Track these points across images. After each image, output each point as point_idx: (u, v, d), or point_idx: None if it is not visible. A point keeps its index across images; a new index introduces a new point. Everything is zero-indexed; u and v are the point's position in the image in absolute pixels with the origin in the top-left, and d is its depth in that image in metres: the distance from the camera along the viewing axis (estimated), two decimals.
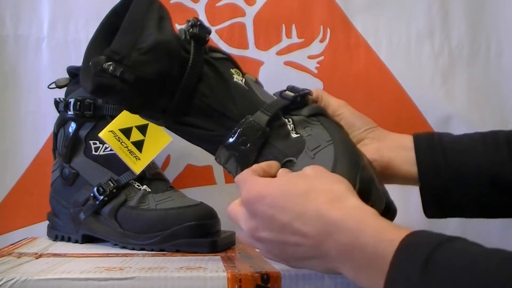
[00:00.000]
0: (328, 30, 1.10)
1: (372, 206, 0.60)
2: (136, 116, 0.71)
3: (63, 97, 0.95)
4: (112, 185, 0.86)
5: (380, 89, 1.10)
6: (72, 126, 0.91)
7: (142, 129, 0.87)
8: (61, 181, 0.92)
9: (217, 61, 0.68)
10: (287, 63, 1.10)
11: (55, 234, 0.94)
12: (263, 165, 0.62)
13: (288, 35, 1.10)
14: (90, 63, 0.63)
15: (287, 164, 0.63)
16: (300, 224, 0.53)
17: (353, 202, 0.53)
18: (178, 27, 1.07)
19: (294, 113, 0.67)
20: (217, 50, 0.70)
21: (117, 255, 0.80)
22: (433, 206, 0.73)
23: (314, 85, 1.09)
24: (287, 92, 0.69)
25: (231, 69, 0.69)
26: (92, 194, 0.87)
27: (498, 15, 1.12)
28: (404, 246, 0.47)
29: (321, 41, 1.10)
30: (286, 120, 0.66)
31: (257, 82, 0.72)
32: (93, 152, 0.90)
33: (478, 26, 1.12)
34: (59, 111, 0.95)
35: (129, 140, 0.86)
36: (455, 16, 1.11)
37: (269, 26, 1.10)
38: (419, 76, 1.11)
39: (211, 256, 0.77)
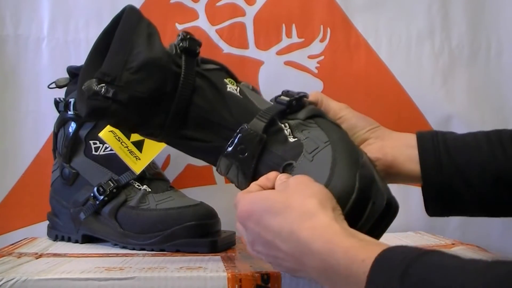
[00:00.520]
0: (328, 30, 1.10)
1: (373, 204, 0.60)
2: None
3: (63, 97, 0.95)
4: (112, 185, 0.86)
5: (380, 89, 1.10)
6: (72, 126, 0.91)
7: None
8: (61, 181, 0.92)
9: (209, 72, 0.68)
10: (287, 63, 1.10)
11: (55, 234, 0.94)
12: (260, 182, 0.62)
13: (288, 35, 1.10)
14: (83, 87, 0.63)
15: (287, 168, 0.63)
16: (279, 242, 0.54)
17: (322, 219, 0.53)
18: (179, 26, 1.09)
19: (290, 117, 0.67)
20: (210, 61, 0.70)
21: (117, 255, 0.80)
22: (435, 204, 0.73)
23: (314, 85, 1.09)
24: (282, 97, 0.68)
25: (225, 79, 0.69)
26: (92, 194, 0.87)
27: (498, 15, 1.12)
28: (379, 263, 0.47)
29: (321, 41, 1.10)
30: (283, 125, 0.66)
31: (253, 89, 0.72)
32: (93, 152, 0.90)
33: (478, 26, 1.12)
34: (59, 111, 0.95)
35: (129, 140, 0.86)
36: (455, 16, 1.11)
37: (269, 26, 1.10)
38: (419, 76, 1.11)
39: (211, 256, 0.77)
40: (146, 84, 0.64)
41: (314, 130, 0.65)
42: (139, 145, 0.86)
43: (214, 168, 1.06)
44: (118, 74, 0.63)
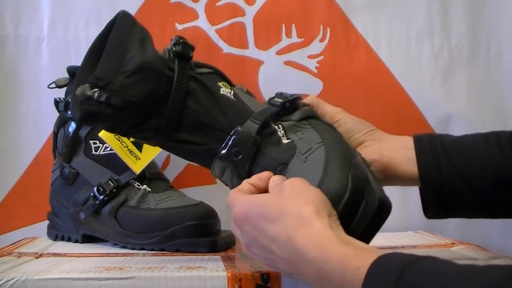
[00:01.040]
0: (328, 30, 1.10)
1: (366, 204, 0.60)
2: None
3: (63, 97, 0.95)
4: (112, 184, 0.86)
5: (380, 88, 1.10)
6: (72, 125, 0.91)
7: None
8: (61, 180, 0.93)
9: (203, 76, 0.68)
10: (287, 63, 1.10)
11: (55, 233, 0.94)
12: (252, 180, 0.62)
13: (288, 35, 1.10)
14: (76, 92, 0.64)
15: (280, 169, 0.63)
16: (275, 247, 0.54)
17: (318, 227, 0.52)
18: (179, 26, 1.09)
19: (284, 119, 0.67)
20: (204, 65, 0.70)
21: (117, 254, 0.80)
22: (433, 206, 0.73)
23: (314, 85, 1.09)
24: (276, 98, 0.69)
25: (219, 82, 0.69)
26: (92, 194, 0.87)
27: (498, 15, 1.12)
28: (374, 270, 0.47)
29: (321, 40, 1.10)
30: (276, 126, 0.66)
31: (248, 92, 0.72)
32: (93, 152, 0.90)
33: (478, 26, 1.12)
34: (59, 111, 0.95)
35: (129, 139, 0.86)
36: (455, 16, 1.11)
37: (269, 26, 1.10)
38: (419, 75, 1.11)
39: (211, 256, 0.77)
40: (139, 88, 0.64)
41: (308, 131, 0.65)
42: (139, 145, 0.86)
43: None
44: (112, 78, 0.63)
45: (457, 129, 1.07)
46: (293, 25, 1.10)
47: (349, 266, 0.48)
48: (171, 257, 0.77)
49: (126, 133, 0.69)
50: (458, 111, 1.09)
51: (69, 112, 0.92)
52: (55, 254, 0.80)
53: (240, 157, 0.64)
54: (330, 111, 0.75)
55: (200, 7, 1.10)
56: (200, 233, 0.81)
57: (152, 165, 0.91)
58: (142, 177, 0.89)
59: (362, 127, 0.75)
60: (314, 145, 0.63)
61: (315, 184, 0.60)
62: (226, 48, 1.09)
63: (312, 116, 0.68)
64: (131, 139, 0.86)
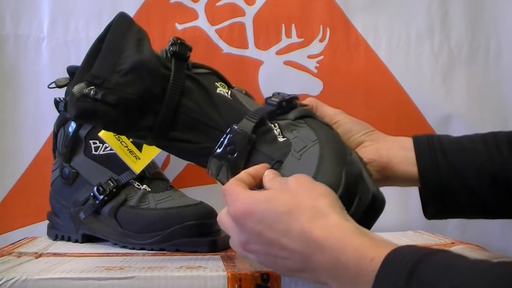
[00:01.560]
0: (328, 30, 1.11)
1: (359, 199, 0.60)
2: None
3: (63, 96, 0.95)
4: (112, 184, 0.86)
5: (379, 88, 1.10)
6: (72, 125, 0.91)
7: None
8: (61, 180, 0.93)
9: (199, 75, 0.69)
10: (286, 63, 1.10)
11: (55, 233, 0.94)
12: (250, 171, 0.62)
13: (288, 35, 1.10)
14: (73, 90, 0.64)
15: (275, 167, 0.63)
16: (287, 241, 0.54)
17: (335, 219, 0.53)
18: (179, 26, 1.09)
19: (280, 118, 0.67)
20: (201, 66, 0.71)
21: (117, 254, 0.80)
22: (433, 207, 0.74)
23: (313, 85, 1.09)
24: (273, 98, 0.69)
25: (216, 83, 0.69)
26: (92, 194, 0.87)
27: (498, 15, 1.12)
28: (388, 261, 0.47)
29: (321, 40, 1.10)
30: (272, 125, 0.66)
31: (246, 94, 0.72)
32: (93, 152, 0.90)
33: (477, 26, 1.12)
34: (59, 111, 0.95)
35: (129, 139, 0.86)
36: (455, 16, 1.11)
37: (268, 26, 1.10)
38: (418, 75, 1.11)
39: (211, 256, 0.77)
40: (135, 87, 0.64)
41: (304, 129, 0.65)
42: (139, 144, 0.86)
43: None
44: (108, 76, 0.64)
45: (457, 129, 1.07)
46: (293, 25, 1.10)
47: (365, 257, 0.48)
48: (171, 256, 0.77)
49: (122, 131, 0.69)
50: (457, 111, 1.10)
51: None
52: (55, 254, 0.80)
53: (235, 155, 0.64)
54: (329, 113, 0.75)
55: (200, 7, 1.10)
56: (200, 233, 0.81)
57: (152, 165, 0.91)
58: (142, 177, 0.89)
59: (360, 128, 0.76)
60: (309, 142, 0.64)
61: None
62: (226, 48, 1.09)
63: (308, 115, 0.68)
64: (131, 139, 0.86)
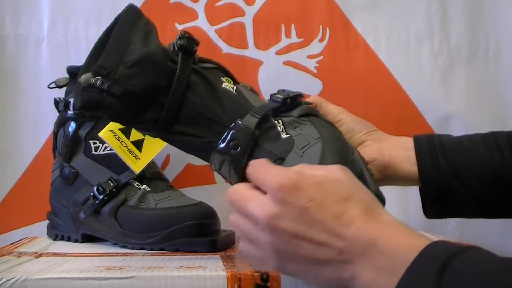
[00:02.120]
0: (328, 30, 1.11)
1: None
2: None
3: (63, 97, 0.95)
4: (112, 184, 0.86)
5: (379, 88, 1.10)
6: (72, 125, 0.91)
7: None
8: (61, 180, 0.93)
9: (205, 70, 0.69)
10: (286, 63, 1.10)
11: (55, 233, 0.94)
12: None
13: (288, 35, 1.10)
14: (80, 79, 0.64)
15: (277, 163, 0.63)
16: (336, 225, 0.51)
17: (388, 217, 0.53)
18: (178, 26, 1.09)
19: (284, 115, 0.67)
20: (208, 60, 0.71)
21: (116, 254, 0.80)
22: (433, 206, 0.74)
23: (313, 85, 1.09)
24: (277, 95, 0.69)
25: (221, 78, 0.69)
26: (92, 194, 0.87)
27: (497, 15, 1.12)
28: (422, 254, 0.47)
29: (321, 40, 1.10)
30: (276, 121, 0.66)
31: (252, 90, 0.72)
32: (93, 152, 0.91)
33: (477, 26, 1.12)
34: (59, 111, 0.95)
35: (128, 139, 0.86)
36: (454, 16, 1.12)
37: (268, 26, 1.10)
38: (418, 75, 1.11)
39: (210, 255, 0.77)
40: (140, 78, 0.64)
41: (307, 127, 0.66)
42: (138, 144, 0.86)
43: None
44: (114, 67, 0.64)
45: (456, 129, 1.08)
46: (293, 25, 1.10)
47: (413, 245, 0.48)
48: (170, 256, 0.77)
49: (126, 122, 0.69)
50: (457, 111, 1.10)
51: (69, 112, 0.92)
52: (55, 254, 0.80)
53: (238, 150, 0.64)
54: (333, 111, 0.76)
55: (199, 7, 1.10)
56: (200, 233, 0.81)
57: (151, 165, 0.92)
58: (141, 177, 0.89)
59: (363, 127, 0.76)
60: (312, 140, 0.64)
61: None
62: (225, 48, 1.09)
63: (312, 114, 0.69)
64: (131, 139, 0.86)
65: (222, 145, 0.65)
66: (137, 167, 0.86)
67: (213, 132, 0.66)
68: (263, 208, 0.54)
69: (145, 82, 0.64)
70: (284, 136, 0.65)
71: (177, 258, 0.76)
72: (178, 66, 0.66)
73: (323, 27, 1.11)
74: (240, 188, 0.57)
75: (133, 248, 0.84)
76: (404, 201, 1.02)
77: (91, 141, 0.91)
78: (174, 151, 1.05)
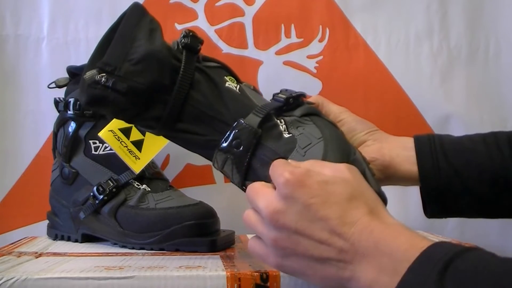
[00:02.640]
0: (327, 30, 1.11)
1: None
2: None
3: (63, 96, 0.95)
4: (111, 184, 0.86)
5: (379, 88, 1.10)
6: (72, 125, 0.92)
7: None
8: (61, 180, 0.93)
9: (209, 69, 0.69)
10: (286, 63, 1.10)
11: (55, 233, 0.94)
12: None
13: (287, 35, 1.10)
14: (85, 76, 0.65)
15: None
16: (338, 224, 0.52)
17: (391, 219, 0.53)
18: (178, 26, 1.09)
19: (286, 114, 0.67)
20: (211, 59, 0.71)
21: (116, 254, 0.80)
22: (433, 206, 0.74)
23: (313, 85, 1.09)
24: (280, 94, 0.69)
25: (225, 76, 0.70)
26: (91, 194, 0.87)
27: (497, 15, 1.12)
28: (424, 254, 0.47)
29: (320, 40, 1.11)
30: (278, 121, 0.66)
31: (255, 89, 0.72)
32: (93, 152, 0.91)
33: (476, 26, 1.12)
34: (58, 111, 0.95)
35: (128, 139, 0.86)
36: (454, 16, 1.12)
37: (268, 26, 1.10)
38: (418, 75, 1.11)
39: (210, 255, 0.77)
40: (145, 76, 0.64)
41: (309, 126, 0.66)
42: (138, 144, 0.87)
43: (213, 168, 1.07)
44: (119, 64, 0.64)
45: (456, 129, 1.08)
46: (292, 25, 1.10)
47: (415, 245, 0.48)
48: (170, 256, 0.77)
49: (129, 119, 0.69)
50: (456, 111, 1.10)
51: (69, 112, 0.92)
52: (55, 254, 0.80)
53: (241, 149, 0.64)
54: (335, 111, 0.76)
55: (199, 7, 1.10)
56: (200, 233, 0.81)
57: (151, 165, 0.92)
58: (141, 177, 0.89)
59: (364, 127, 0.76)
60: (314, 140, 0.64)
61: None
62: (225, 48, 1.10)
63: (314, 113, 0.69)
64: (131, 139, 0.86)
65: (224, 144, 0.65)
66: (137, 167, 0.86)
67: (216, 130, 0.66)
68: (268, 203, 0.55)
69: (149, 80, 0.65)
70: (286, 135, 0.65)
71: (177, 258, 0.76)
72: (182, 64, 0.66)
73: (322, 27, 1.11)
74: (256, 185, 0.58)
75: (133, 248, 0.84)
76: (404, 201, 1.02)
77: (91, 141, 0.91)
78: (174, 151, 1.06)
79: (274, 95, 0.70)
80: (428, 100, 1.10)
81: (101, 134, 0.85)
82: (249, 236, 0.96)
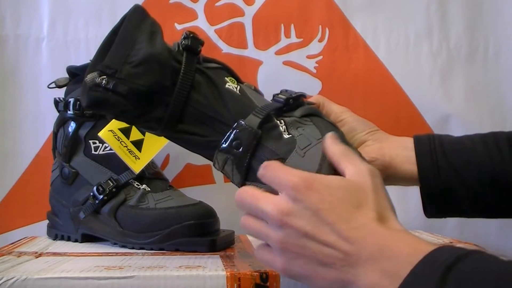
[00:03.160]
0: (327, 30, 1.11)
1: None
2: None
3: (63, 96, 0.95)
4: (111, 184, 0.87)
5: (378, 88, 1.10)
6: (72, 125, 0.92)
7: None
8: (60, 180, 0.93)
9: (210, 70, 0.69)
10: (286, 63, 1.10)
11: (55, 233, 0.94)
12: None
13: (287, 35, 1.10)
14: (86, 79, 0.65)
15: None
16: (345, 228, 0.52)
17: (398, 225, 0.54)
18: (178, 26, 1.09)
19: (286, 115, 0.67)
20: (212, 60, 0.71)
21: (116, 254, 0.80)
22: (432, 206, 0.74)
23: (312, 85, 1.09)
24: (280, 95, 0.69)
25: (225, 77, 0.70)
26: (91, 194, 0.87)
27: (496, 15, 1.12)
28: (427, 257, 0.48)
29: (320, 40, 1.11)
30: (278, 121, 0.66)
31: (256, 90, 0.72)
32: (93, 152, 0.91)
33: (476, 26, 1.12)
34: (58, 111, 0.95)
35: (128, 139, 0.86)
36: (453, 16, 1.12)
37: (268, 26, 1.11)
38: (417, 75, 1.11)
39: (210, 255, 0.77)
40: (145, 78, 0.65)
41: (309, 127, 0.66)
42: (138, 144, 0.87)
43: (213, 168, 1.08)
44: (119, 67, 0.64)
45: (455, 129, 1.08)
46: (292, 25, 1.10)
47: (419, 249, 0.49)
48: (170, 256, 0.77)
49: (131, 121, 0.70)
50: (456, 111, 1.10)
51: (69, 112, 0.92)
52: (54, 254, 0.80)
53: (241, 149, 0.65)
54: (336, 110, 0.76)
55: (199, 7, 1.10)
56: (199, 233, 0.81)
57: (151, 164, 0.92)
58: (141, 177, 0.89)
59: (364, 127, 0.76)
60: (314, 141, 0.64)
61: None
62: (225, 48, 1.10)
63: (314, 114, 0.69)
64: (131, 139, 0.86)
65: (225, 145, 0.65)
66: (137, 167, 0.87)
67: (216, 131, 0.66)
68: (277, 205, 0.55)
69: (150, 82, 0.65)
70: (286, 136, 0.65)
71: (177, 257, 0.76)
72: (183, 66, 0.67)
73: (322, 27, 1.11)
74: (250, 189, 0.59)
75: (132, 248, 0.84)
76: (404, 201, 1.02)
77: (91, 141, 0.91)
78: (174, 151, 1.06)
79: (274, 96, 0.70)
80: (428, 100, 1.10)
81: (101, 134, 0.85)
82: (249, 236, 0.96)
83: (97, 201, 0.86)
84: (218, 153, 0.66)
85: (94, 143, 0.91)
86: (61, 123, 0.94)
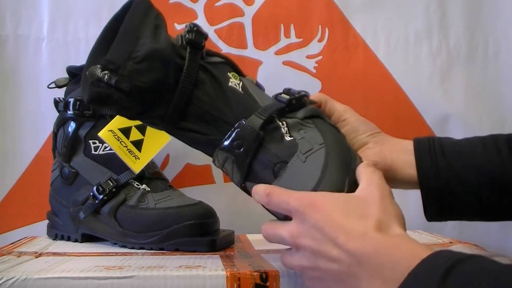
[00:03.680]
0: (327, 30, 1.11)
1: None
2: None
3: (63, 96, 0.95)
4: (111, 184, 0.87)
5: (378, 88, 1.10)
6: (72, 125, 0.92)
7: (142, 128, 0.87)
8: (60, 180, 0.93)
9: (213, 66, 0.68)
10: (285, 63, 1.10)
11: (55, 233, 0.94)
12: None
13: (287, 35, 1.10)
14: (87, 73, 0.64)
15: (278, 166, 0.64)
16: (346, 240, 0.54)
17: (398, 231, 0.55)
18: (178, 26, 1.09)
19: (289, 116, 0.67)
20: (215, 54, 0.70)
21: (116, 254, 0.80)
22: (433, 209, 0.74)
23: (312, 85, 1.09)
24: (282, 94, 0.69)
25: (228, 73, 0.69)
26: (91, 193, 0.87)
27: (496, 15, 1.12)
28: (425, 261, 0.48)
29: (320, 40, 1.11)
30: (280, 123, 0.66)
31: (257, 84, 0.72)
32: (93, 152, 0.91)
33: (475, 26, 1.12)
34: (58, 111, 0.95)
35: (128, 139, 0.86)
36: (453, 16, 1.12)
37: (267, 26, 1.11)
38: (417, 75, 1.11)
39: (210, 255, 0.77)
40: (149, 75, 0.64)
41: (311, 130, 0.66)
42: (138, 144, 0.87)
43: (213, 168, 1.08)
44: (122, 63, 0.63)
45: (455, 129, 1.08)
46: (292, 25, 1.11)
47: (417, 255, 0.49)
48: (170, 256, 0.77)
49: (133, 117, 0.69)
50: (456, 111, 1.10)
51: (69, 112, 0.92)
52: (54, 254, 0.80)
53: (242, 150, 0.65)
54: (338, 109, 0.76)
55: (199, 7, 1.10)
56: (199, 233, 0.81)
57: (151, 164, 0.92)
58: (141, 177, 0.89)
59: (366, 128, 0.76)
60: (316, 145, 0.64)
61: (312, 185, 0.61)
62: (225, 48, 1.10)
63: (317, 115, 0.68)
64: (130, 139, 0.86)
65: (226, 143, 0.65)
66: (137, 167, 0.87)
67: (218, 130, 0.66)
68: (289, 230, 0.58)
69: (153, 79, 0.64)
70: (287, 138, 0.65)
71: (177, 257, 0.76)
72: (186, 63, 0.66)
73: (322, 27, 1.11)
74: (269, 222, 0.62)
75: (132, 248, 0.84)
76: (402, 201, 1.01)
77: (90, 141, 0.91)
78: (174, 151, 1.06)
79: (276, 95, 0.69)
80: (427, 100, 1.10)
81: (100, 134, 0.85)
82: (249, 236, 0.96)
83: (97, 201, 0.86)
84: (219, 151, 0.66)
85: (94, 143, 0.91)
86: (61, 123, 0.94)
